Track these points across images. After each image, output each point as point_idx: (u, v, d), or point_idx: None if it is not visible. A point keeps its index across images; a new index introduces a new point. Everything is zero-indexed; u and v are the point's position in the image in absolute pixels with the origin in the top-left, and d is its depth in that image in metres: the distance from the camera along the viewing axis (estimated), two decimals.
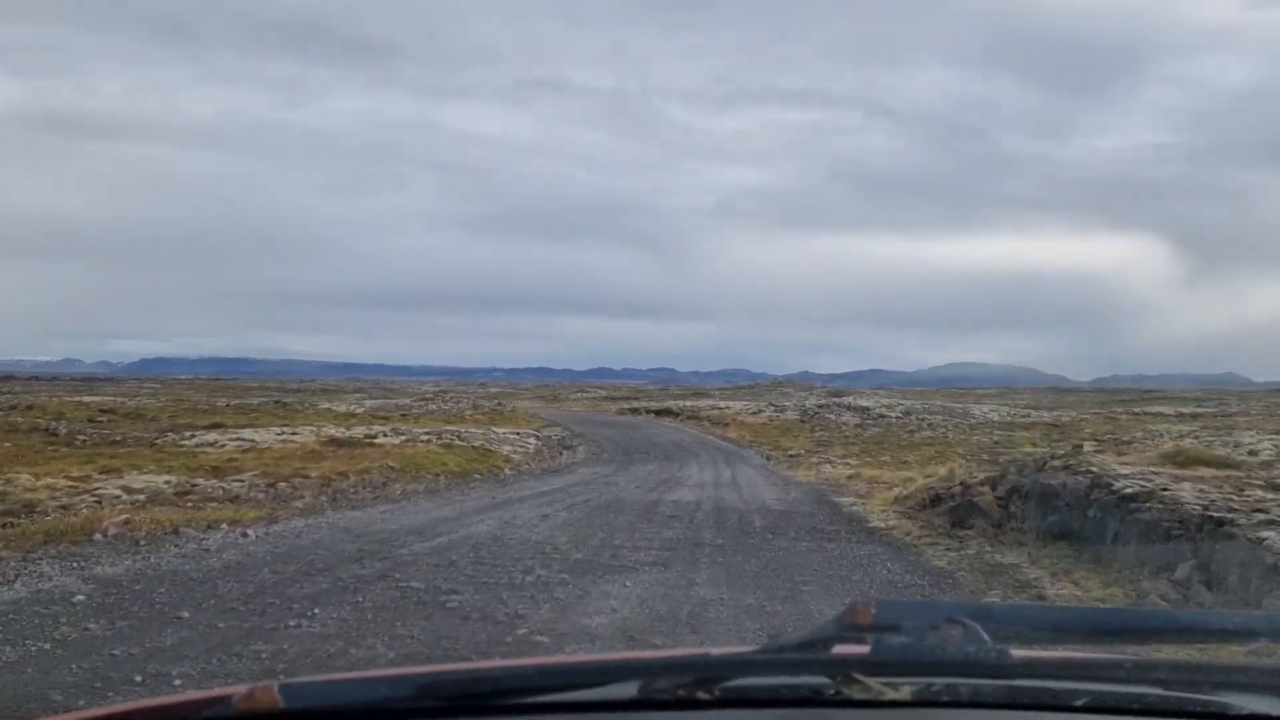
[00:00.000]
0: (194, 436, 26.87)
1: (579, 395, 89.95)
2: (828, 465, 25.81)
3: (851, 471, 23.21)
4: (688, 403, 74.80)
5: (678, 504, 15.29)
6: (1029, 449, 25.92)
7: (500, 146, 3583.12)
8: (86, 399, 48.64)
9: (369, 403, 55.53)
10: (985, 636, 1.23)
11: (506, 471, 22.76)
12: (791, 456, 30.03)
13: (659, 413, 65.78)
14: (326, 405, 52.65)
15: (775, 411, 54.63)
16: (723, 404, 68.84)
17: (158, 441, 25.44)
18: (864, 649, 1.24)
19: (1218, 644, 1.52)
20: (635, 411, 70.51)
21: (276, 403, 52.77)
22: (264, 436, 27.20)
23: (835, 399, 58.04)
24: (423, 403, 56.83)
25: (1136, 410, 56.51)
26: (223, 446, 24.13)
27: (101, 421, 33.62)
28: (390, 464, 20.11)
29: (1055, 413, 53.55)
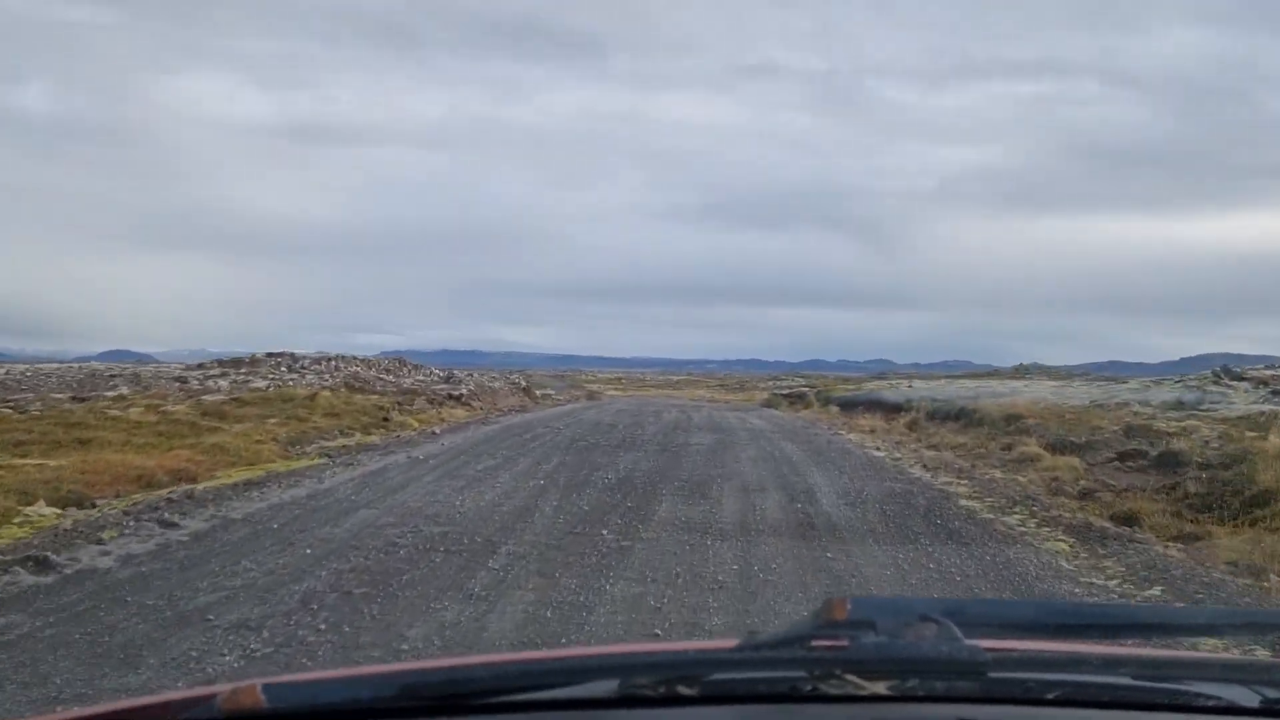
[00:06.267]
0: None
1: (769, 384, 70.15)
2: None
3: None
4: (913, 386, 36.01)
5: None
6: None
7: (710, 135, 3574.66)
8: None
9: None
10: (958, 633, 1.20)
11: None
12: None
13: (845, 406, 28.11)
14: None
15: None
16: (999, 385, 30.07)
17: None
18: (841, 644, 1.21)
19: (1181, 639, 1.67)
20: (795, 401, 32.98)
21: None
22: None
23: None
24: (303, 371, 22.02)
25: None
26: None
27: None
28: None
29: None
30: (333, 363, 28.56)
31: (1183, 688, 1.32)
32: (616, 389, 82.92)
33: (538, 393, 37.65)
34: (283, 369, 26.76)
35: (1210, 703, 1.30)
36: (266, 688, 1.17)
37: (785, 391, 40.61)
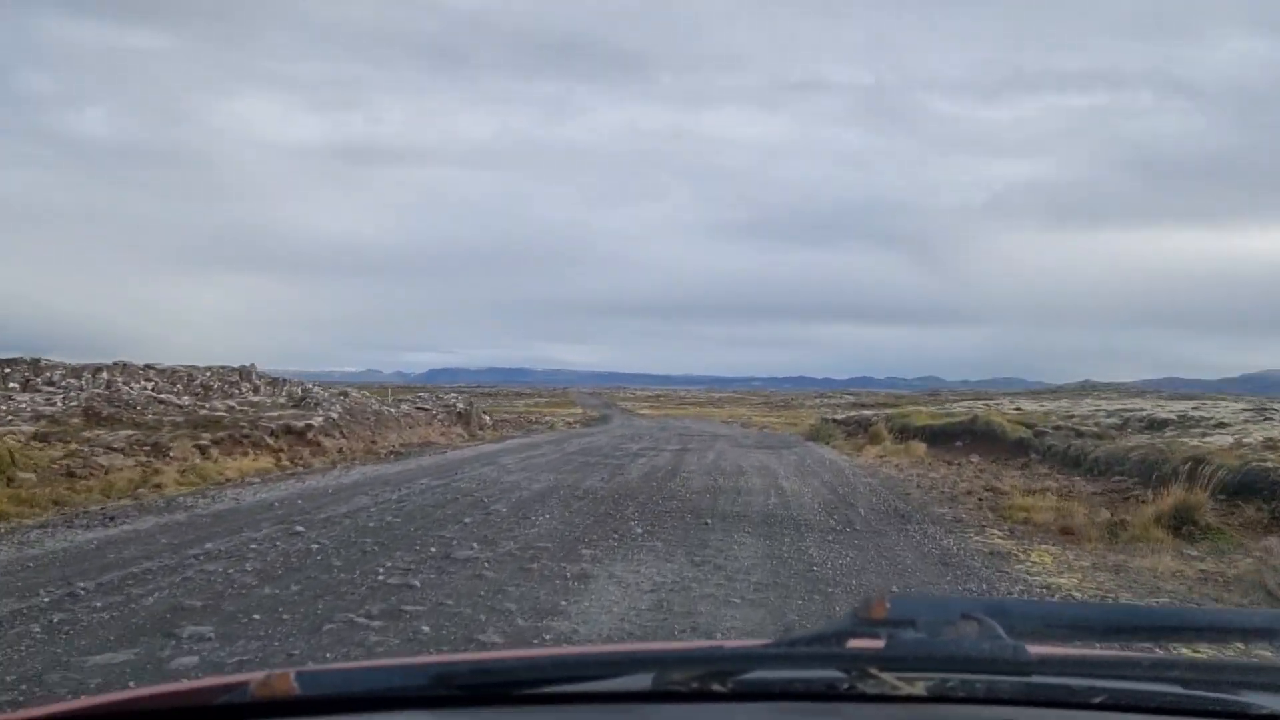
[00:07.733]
0: None
1: (817, 402, 67.18)
2: None
3: None
4: (1022, 409, 23.72)
5: None
6: None
7: (757, 151, 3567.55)
8: None
9: None
10: (1001, 632, 1.17)
11: None
12: None
13: (935, 441, 16.77)
14: None
15: None
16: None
17: None
18: (878, 643, 1.18)
19: (1236, 643, 1.45)
20: (856, 431, 21.80)
21: None
22: None
23: None
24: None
25: None
26: None
27: None
28: None
29: None
30: (103, 374, 18.15)
31: (1236, 697, 1.24)
32: (651, 407, 73.25)
33: (487, 419, 26.81)
34: (12, 384, 16.24)
35: (1265, 713, 1.22)
36: (299, 675, 1.15)
37: (840, 416, 29.14)
